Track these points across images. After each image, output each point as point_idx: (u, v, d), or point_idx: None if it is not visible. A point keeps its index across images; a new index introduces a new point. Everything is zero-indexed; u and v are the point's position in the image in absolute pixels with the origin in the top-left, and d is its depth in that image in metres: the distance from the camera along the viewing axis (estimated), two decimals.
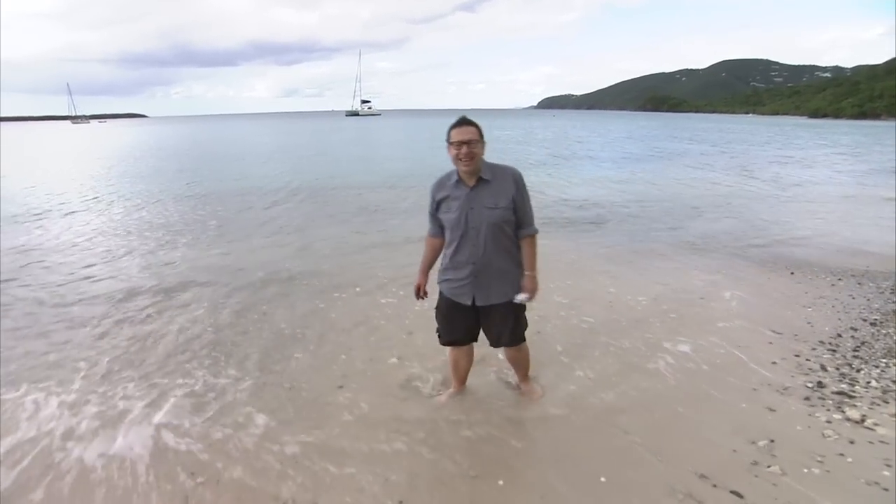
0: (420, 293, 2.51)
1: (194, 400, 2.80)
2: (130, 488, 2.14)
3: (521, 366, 2.67)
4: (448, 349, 2.63)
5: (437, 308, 2.50)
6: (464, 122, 2.16)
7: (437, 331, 2.54)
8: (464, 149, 2.10)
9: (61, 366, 3.24)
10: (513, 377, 2.84)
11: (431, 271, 2.53)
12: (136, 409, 2.71)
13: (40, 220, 8.19)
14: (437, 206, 2.30)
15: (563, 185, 11.64)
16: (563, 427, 2.51)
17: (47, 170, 16.80)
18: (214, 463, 2.27)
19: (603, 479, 2.12)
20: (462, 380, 2.72)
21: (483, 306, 2.32)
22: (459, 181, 2.22)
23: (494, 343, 2.48)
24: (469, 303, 2.31)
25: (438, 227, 2.37)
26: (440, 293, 2.45)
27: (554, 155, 19.96)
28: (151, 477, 2.19)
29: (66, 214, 8.66)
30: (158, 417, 2.63)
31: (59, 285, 4.93)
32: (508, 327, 2.38)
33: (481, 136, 2.16)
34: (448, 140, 2.16)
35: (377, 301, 4.31)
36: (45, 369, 3.19)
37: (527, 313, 2.48)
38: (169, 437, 2.46)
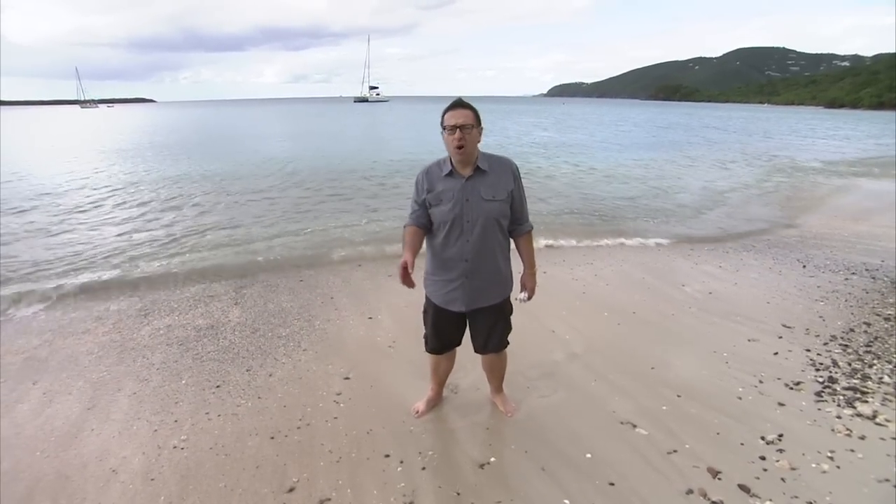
0: (407, 272, 1.88)
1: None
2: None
3: (498, 374, 2.50)
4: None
5: (424, 312, 2.31)
6: (458, 104, 1.96)
7: (425, 336, 2.36)
8: (457, 133, 1.91)
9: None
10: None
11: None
12: None
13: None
14: (425, 199, 2.05)
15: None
16: (570, 421, 2.50)
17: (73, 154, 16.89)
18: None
19: (613, 479, 2.11)
20: (441, 383, 2.57)
21: (472, 310, 2.15)
22: (453, 171, 2.01)
23: (481, 349, 2.29)
24: (461, 309, 2.13)
25: (424, 219, 2.07)
26: (427, 298, 2.25)
27: (607, 141, 20.44)
28: None
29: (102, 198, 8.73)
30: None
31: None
32: (498, 331, 2.24)
33: (478, 121, 1.97)
34: (442, 124, 1.97)
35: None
36: None
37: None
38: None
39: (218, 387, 2.82)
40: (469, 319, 2.24)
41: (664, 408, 2.56)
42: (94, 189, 9.69)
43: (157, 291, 4.38)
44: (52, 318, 3.85)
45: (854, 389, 2.69)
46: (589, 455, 2.21)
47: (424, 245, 2.17)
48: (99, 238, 6.18)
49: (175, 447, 2.30)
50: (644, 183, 10.50)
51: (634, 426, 2.41)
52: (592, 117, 44.93)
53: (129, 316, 3.87)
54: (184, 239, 6.13)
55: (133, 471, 2.16)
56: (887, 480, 2.02)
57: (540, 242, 5.53)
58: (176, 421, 2.51)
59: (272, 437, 2.36)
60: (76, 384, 2.88)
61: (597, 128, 30.23)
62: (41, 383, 2.90)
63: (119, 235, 6.30)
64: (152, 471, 2.16)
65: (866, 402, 2.57)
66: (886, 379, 2.78)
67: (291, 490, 2.04)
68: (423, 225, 2.07)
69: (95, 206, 8.04)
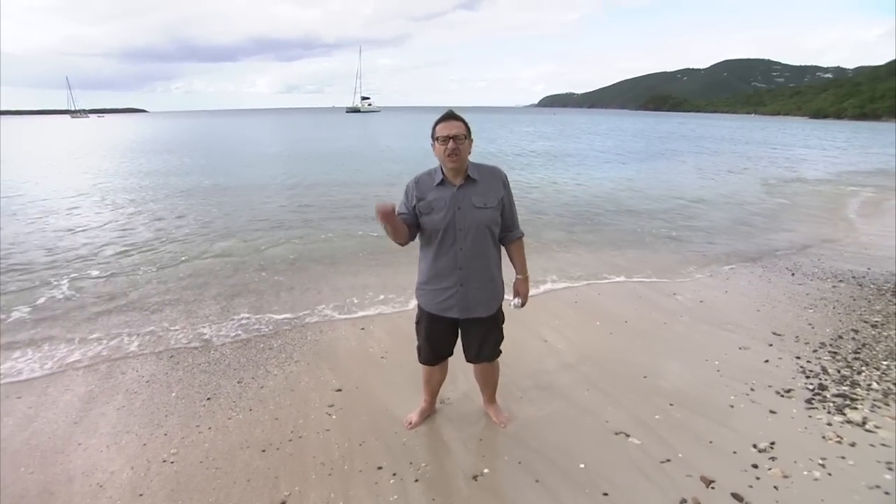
0: (392, 211, 1.91)
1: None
2: None
3: (491, 384, 2.51)
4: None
5: (416, 324, 2.31)
6: (450, 116, 2.02)
7: (418, 348, 2.36)
8: (450, 143, 1.95)
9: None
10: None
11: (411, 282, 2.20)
12: None
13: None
14: (415, 205, 2.08)
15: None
16: (563, 431, 2.50)
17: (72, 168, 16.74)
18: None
19: (606, 490, 2.10)
20: (434, 393, 2.56)
21: (466, 319, 2.16)
22: (444, 181, 2.05)
23: (474, 358, 2.30)
24: (457, 316, 2.13)
25: (412, 220, 2.09)
26: (420, 308, 2.26)
27: (608, 152, 20.71)
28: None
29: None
30: None
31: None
32: (490, 340, 2.25)
33: (468, 132, 2.02)
34: (433, 136, 2.02)
35: None
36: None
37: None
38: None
39: (208, 399, 2.78)
40: (462, 329, 2.25)
41: (657, 417, 2.56)
42: (83, 202, 9.59)
43: (146, 302, 4.33)
44: (38, 330, 3.78)
45: (844, 396, 2.71)
46: (582, 465, 2.21)
47: (417, 255, 2.20)
48: (86, 249, 6.10)
49: (164, 461, 2.27)
50: (650, 193, 10.51)
51: (628, 436, 2.41)
52: (587, 127, 45.60)
53: (117, 327, 3.82)
54: (174, 249, 6.08)
55: (121, 486, 2.12)
56: (878, 487, 2.03)
57: (542, 250, 5.56)
58: (166, 434, 2.47)
59: (263, 450, 2.33)
60: (62, 397, 2.83)
61: (595, 138, 30.64)
62: (26, 397, 2.84)
63: (107, 245, 6.23)
64: (141, 486, 2.12)
65: (856, 408, 2.59)
66: (875, 385, 2.81)
67: None
68: (411, 224, 2.09)
69: (86, 221, 7.96)
